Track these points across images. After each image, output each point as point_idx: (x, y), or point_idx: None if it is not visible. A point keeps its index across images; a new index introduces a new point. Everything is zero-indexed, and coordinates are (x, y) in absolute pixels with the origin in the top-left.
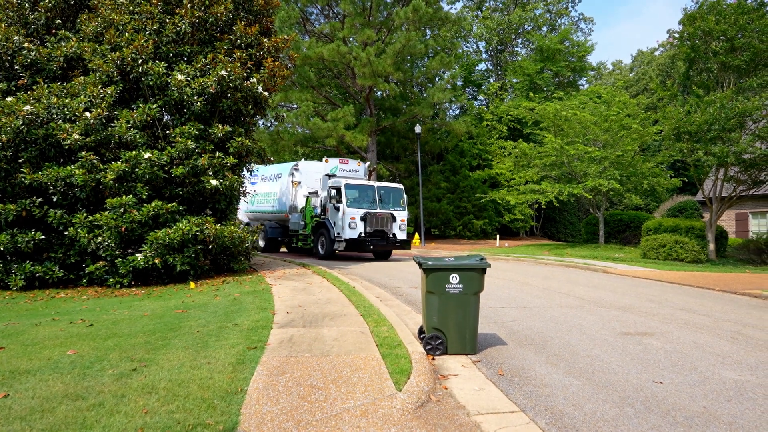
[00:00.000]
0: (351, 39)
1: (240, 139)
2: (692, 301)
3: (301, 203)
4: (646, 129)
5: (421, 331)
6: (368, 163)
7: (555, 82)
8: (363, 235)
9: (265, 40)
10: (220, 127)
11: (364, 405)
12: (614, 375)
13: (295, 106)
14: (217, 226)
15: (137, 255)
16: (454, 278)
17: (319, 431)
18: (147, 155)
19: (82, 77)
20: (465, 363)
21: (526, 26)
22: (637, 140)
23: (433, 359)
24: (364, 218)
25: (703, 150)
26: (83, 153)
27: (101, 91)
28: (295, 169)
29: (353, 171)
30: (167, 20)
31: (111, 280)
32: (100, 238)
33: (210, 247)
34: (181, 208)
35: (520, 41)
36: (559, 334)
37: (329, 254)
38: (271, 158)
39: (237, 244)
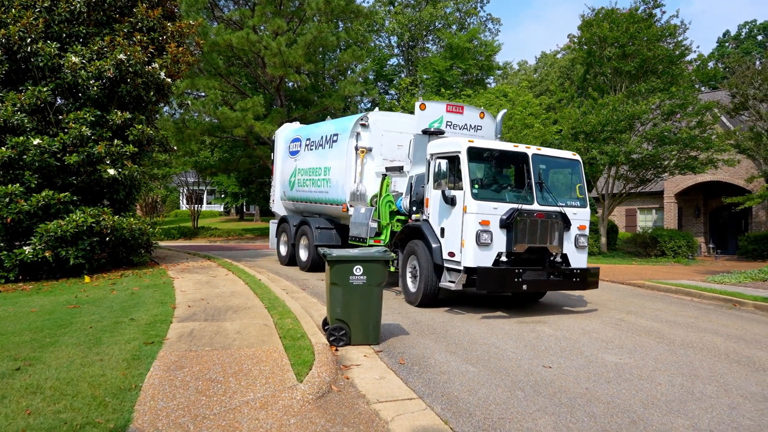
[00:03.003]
0: (262, 28)
1: (141, 126)
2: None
3: (371, 188)
4: (547, 128)
5: (325, 323)
6: (503, 111)
7: (464, 80)
8: (506, 259)
9: (169, 24)
10: (119, 113)
11: (264, 397)
12: (508, 361)
13: (203, 94)
14: (115, 217)
15: (25, 248)
16: (358, 270)
17: (216, 425)
18: (36, 141)
19: None
20: (368, 353)
21: (437, 23)
22: (539, 138)
23: (336, 350)
24: (508, 223)
25: (597, 149)
26: None
27: None
28: (362, 125)
29: (472, 128)
30: None
31: None
32: None
33: (107, 239)
34: (75, 198)
35: (431, 38)
36: (459, 324)
37: (429, 297)
38: (175, 147)
39: (137, 236)
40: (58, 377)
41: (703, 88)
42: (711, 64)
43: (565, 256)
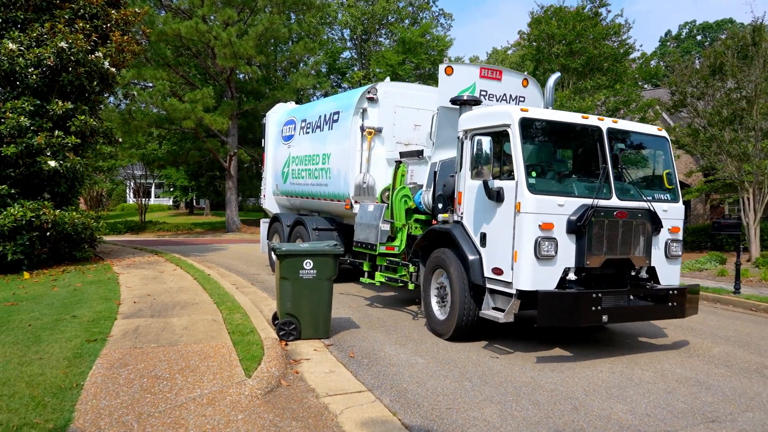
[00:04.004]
0: (212, 17)
1: (83, 117)
2: None
3: (381, 179)
4: None
5: (275, 318)
6: (555, 76)
7: (417, 74)
8: (575, 277)
9: (114, 12)
10: (60, 103)
11: (211, 393)
12: (456, 352)
13: (150, 84)
14: (57, 211)
15: None
16: (308, 264)
17: (161, 422)
18: None
19: None
20: (318, 347)
21: (389, 17)
22: None
23: (286, 344)
24: (579, 227)
25: None
26: None
27: None
28: (370, 99)
29: (512, 100)
30: None
31: None
32: None
33: (48, 234)
34: (13, 191)
35: (383, 32)
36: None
37: (465, 329)
38: (120, 139)
39: (80, 230)
40: None
41: (646, 86)
42: (653, 63)
43: (652, 270)
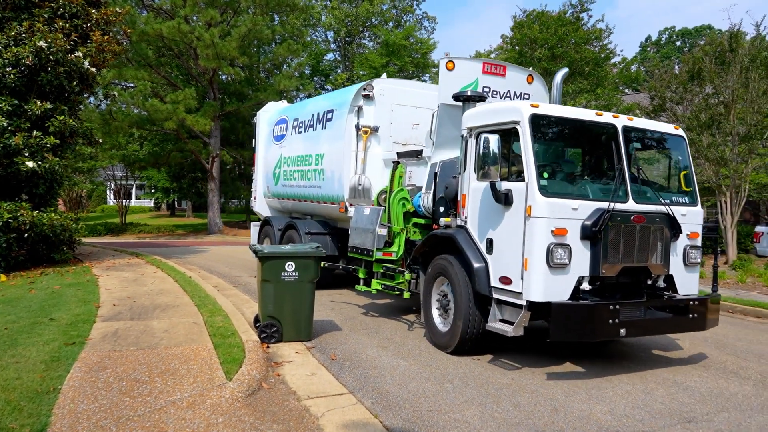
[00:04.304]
0: (194, 18)
1: (62, 117)
2: None
3: (377, 180)
4: None
5: (257, 320)
6: (563, 72)
7: (400, 77)
8: (589, 287)
9: (94, 11)
10: (39, 103)
11: (191, 396)
12: (438, 354)
13: (131, 85)
14: (35, 212)
15: None
16: (290, 266)
17: (141, 426)
18: None
19: None
20: (299, 349)
21: (373, 20)
22: None
23: (268, 347)
24: (594, 232)
25: None
26: None
27: None
28: (365, 97)
29: (517, 97)
30: None
31: None
32: None
33: (26, 235)
34: None
35: (367, 34)
36: (390, 319)
37: (469, 342)
38: (100, 140)
39: (59, 232)
40: None
41: (626, 90)
42: (634, 68)
43: (670, 279)
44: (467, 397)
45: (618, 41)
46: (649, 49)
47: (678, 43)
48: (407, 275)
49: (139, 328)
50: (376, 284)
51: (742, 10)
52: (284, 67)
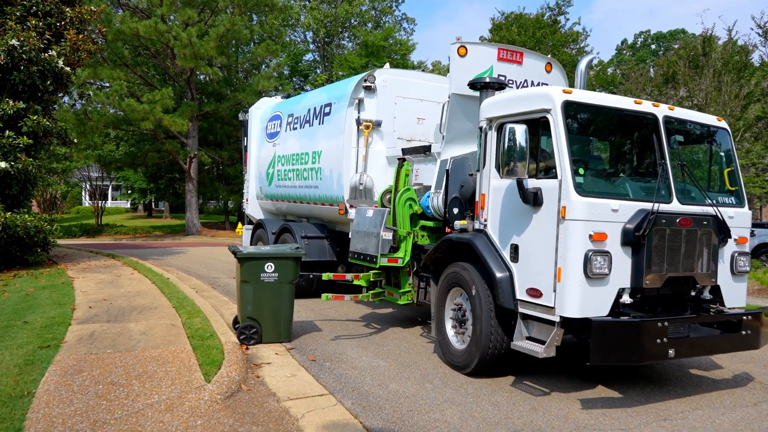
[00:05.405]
0: (171, 17)
1: (36, 117)
2: None
3: (380, 180)
4: None
5: (236, 321)
6: (587, 58)
7: None
8: (630, 300)
9: (68, 9)
10: (11, 103)
11: (169, 399)
12: (418, 355)
13: (107, 84)
14: (8, 214)
15: None
16: (269, 267)
17: (118, 430)
18: None
19: None
20: (279, 351)
21: (352, 21)
22: None
23: (247, 349)
24: (638, 237)
25: None
26: None
27: None
28: (367, 89)
29: (535, 86)
30: None
31: None
32: None
33: None
34: None
35: (346, 35)
36: (373, 319)
37: (490, 363)
38: (75, 140)
39: (32, 234)
40: None
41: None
42: (610, 70)
43: (716, 290)
44: (447, 397)
45: (594, 44)
46: (624, 52)
47: (653, 47)
48: (410, 280)
49: (116, 330)
50: (377, 297)
51: (715, 15)
52: (263, 67)
